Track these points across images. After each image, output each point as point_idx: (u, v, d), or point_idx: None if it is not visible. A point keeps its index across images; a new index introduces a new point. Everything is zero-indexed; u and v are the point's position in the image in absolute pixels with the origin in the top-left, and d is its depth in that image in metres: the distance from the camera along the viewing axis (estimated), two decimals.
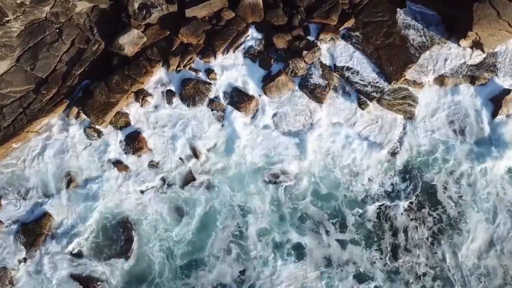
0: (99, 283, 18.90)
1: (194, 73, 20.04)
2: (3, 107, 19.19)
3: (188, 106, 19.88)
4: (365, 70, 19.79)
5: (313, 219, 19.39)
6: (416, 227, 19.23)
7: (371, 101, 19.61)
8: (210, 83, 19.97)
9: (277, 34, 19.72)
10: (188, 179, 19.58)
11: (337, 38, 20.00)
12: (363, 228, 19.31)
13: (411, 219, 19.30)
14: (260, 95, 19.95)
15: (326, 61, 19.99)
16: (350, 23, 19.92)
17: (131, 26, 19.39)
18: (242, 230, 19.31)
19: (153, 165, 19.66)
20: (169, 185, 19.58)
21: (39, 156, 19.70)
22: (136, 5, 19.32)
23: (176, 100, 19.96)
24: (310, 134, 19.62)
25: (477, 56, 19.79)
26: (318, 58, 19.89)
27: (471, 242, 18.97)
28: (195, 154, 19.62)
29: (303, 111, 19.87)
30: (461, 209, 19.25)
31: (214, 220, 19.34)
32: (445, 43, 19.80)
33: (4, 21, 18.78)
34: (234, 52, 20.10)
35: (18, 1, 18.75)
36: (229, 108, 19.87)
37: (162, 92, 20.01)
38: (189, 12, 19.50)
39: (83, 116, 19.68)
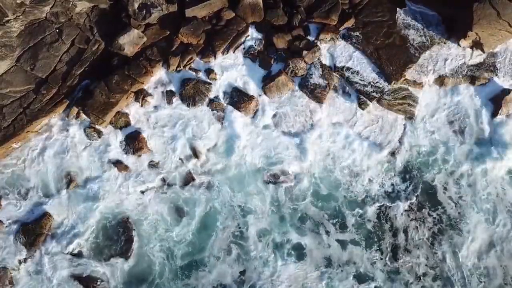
0: (99, 283, 18.90)
1: (194, 73, 20.04)
2: (3, 107, 19.19)
3: (188, 106, 19.88)
4: (365, 70, 19.79)
5: (313, 220, 19.38)
6: (416, 227, 19.22)
7: (371, 101, 19.61)
8: (210, 83, 19.97)
9: (277, 34, 19.72)
10: (188, 179, 19.58)
11: (337, 38, 19.99)
12: (363, 229, 19.30)
13: (411, 220, 19.30)
14: (260, 95, 19.95)
15: (326, 61, 19.99)
16: (350, 23, 19.91)
17: (131, 26, 19.38)
18: (242, 231, 19.30)
19: (153, 165, 19.66)
20: (169, 185, 19.57)
21: (39, 156, 19.69)
22: (136, 5, 19.31)
23: (176, 100, 19.95)
24: (310, 135, 19.62)
25: (477, 56, 19.78)
26: (318, 58, 19.89)
27: (471, 242, 18.96)
28: (195, 154, 19.62)
29: (303, 111, 19.86)
30: (461, 209, 19.25)
31: (214, 221, 19.33)
32: (445, 43, 19.80)
33: (4, 21, 18.77)
34: (234, 52, 20.09)
35: (18, 1, 18.75)
36: (229, 108, 19.87)
37: (162, 92, 20.00)
38: (189, 12, 19.49)
39: (83, 116, 19.67)
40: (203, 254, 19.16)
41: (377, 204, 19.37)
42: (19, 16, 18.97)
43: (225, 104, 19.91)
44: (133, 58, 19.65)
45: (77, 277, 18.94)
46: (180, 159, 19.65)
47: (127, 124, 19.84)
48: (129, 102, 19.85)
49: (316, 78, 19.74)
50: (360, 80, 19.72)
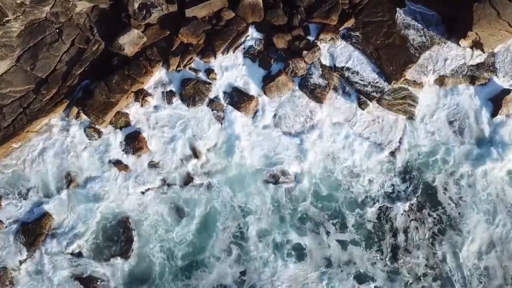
0: (99, 283, 18.89)
1: (194, 73, 20.04)
2: (3, 107, 19.19)
3: (188, 106, 19.87)
4: (365, 70, 19.78)
5: (313, 220, 19.38)
6: (417, 227, 19.22)
7: (371, 101, 19.60)
8: (210, 83, 19.96)
9: (277, 34, 19.71)
10: (188, 179, 19.58)
11: (337, 38, 19.98)
12: (364, 229, 19.30)
13: (411, 220, 19.29)
14: (260, 95, 19.94)
15: (326, 61, 19.98)
16: (350, 23, 19.90)
17: (131, 26, 19.38)
18: (242, 231, 19.29)
19: (153, 165, 19.65)
20: (169, 185, 19.57)
21: (39, 156, 19.70)
22: (136, 5, 19.31)
23: (176, 100, 19.95)
24: (310, 135, 19.61)
25: (477, 56, 19.77)
26: (318, 58, 19.88)
27: (471, 242, 18.96)
28: (195, 154, 19.62)
29: (303, 111, 19.85)
30: (461, 210, 19.24)
31: (215, 221, 19.33)
32: (445, 43, 19.79)
33: (4, 21, 18.77)
34: (234, 52, 20.09)
35: (18, 1, 18.74)
36: (229, 108, 19.86)
37: (162, 92, 19.99)
38: (189, 12, 19.49)
39: (83, 116, 19.66)
40: (204, 254, 19.16)
41: (377, 205, 19.36)
42: (19, 16, 18.97)
43: (225, 104, 19.90)
44: (133, 58, 19.65)
45: (77, 277, 18.94)
46: (180, 159, 19.64)
47: (127, 124, 19.84)
48: (129, 102, 19.85)
49: (316, 78, 19.73)
50: (360, 80, 19.71)
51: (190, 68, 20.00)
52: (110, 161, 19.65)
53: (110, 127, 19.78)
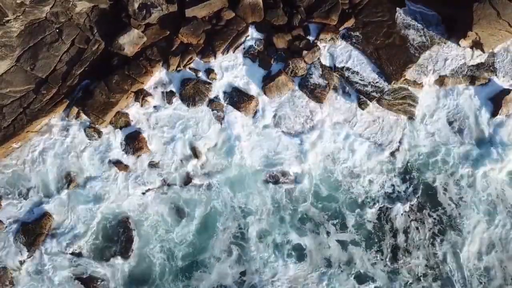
0: (99, 283, 18.89)
1: (194, 73, 20.03)
2: (3, 107, 19.18)
3: (188, 106, 19.87)
4: (365, 70, 19.78)
5: (313, 220, 19.37)
6: (417, 228, 19.21)
7: (371, 101, 19.60)
8: (210, 83, 19.96)
9: (277, 34, 19.71)
10: (188, 179, 19.56)
11: (337, 38, 19.98)
12: (364, 229, 19.29)
13: (412, 220, 19.28)
14: (260, 95, 19.93)
15: (326, 61, 19.98)
16: (350, 23, 19.90)
17: (131, 26, 19.37)
18: (243, 231, 19.28)
19: (153, 165, 19.64)
20: (170, 186, 19.56)
21: (40, 156, 19.69)
22: (136, 5, 19.30)
23: (176, 100, 19.94)
24: (310, 135, 19.60)
25: (477, 56, 19.77)
26: (318, 58, 19.88)
27: (471, 243, 18.94)
28: (195, 154, 19.61)
29: (303, 111, 19.85)
30: (461, 210, 19.23)
31: (215, 221, 19.31)
32: (445, 43, 19.79)
33: (4, 21, 18.76)
34: (234, 52, 20.08)
35: (18, 1, 18.73)
36: (229, 108, 19.85)
37: (162, 92, 19.99)
38: (189, 12, 19.48)
39: (83, 116, 19.66)
40: (204, 254, 19.15)
41: (378, 205, 19.35)
42: (19, 16, 18.96)
43: (225, 104, 19.90)
44: (133, 58, 19.65)
45: (77, 277, 18.93)
46: (180, 159, 19.63)
47: (127, 124, 19.84)
48: (129, 102, 19.84)
49: (316, 78, 19.73)
50: (360, 80, 19.70)
51: (190, 68, 20.00)
52: (110, 161, 19.65)
53: (110, 127, 19.77)
